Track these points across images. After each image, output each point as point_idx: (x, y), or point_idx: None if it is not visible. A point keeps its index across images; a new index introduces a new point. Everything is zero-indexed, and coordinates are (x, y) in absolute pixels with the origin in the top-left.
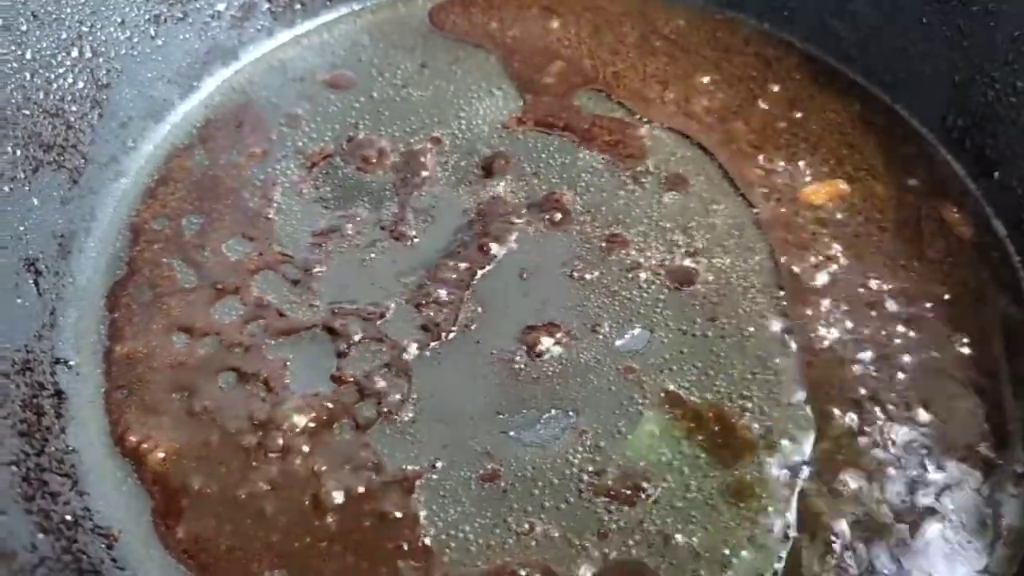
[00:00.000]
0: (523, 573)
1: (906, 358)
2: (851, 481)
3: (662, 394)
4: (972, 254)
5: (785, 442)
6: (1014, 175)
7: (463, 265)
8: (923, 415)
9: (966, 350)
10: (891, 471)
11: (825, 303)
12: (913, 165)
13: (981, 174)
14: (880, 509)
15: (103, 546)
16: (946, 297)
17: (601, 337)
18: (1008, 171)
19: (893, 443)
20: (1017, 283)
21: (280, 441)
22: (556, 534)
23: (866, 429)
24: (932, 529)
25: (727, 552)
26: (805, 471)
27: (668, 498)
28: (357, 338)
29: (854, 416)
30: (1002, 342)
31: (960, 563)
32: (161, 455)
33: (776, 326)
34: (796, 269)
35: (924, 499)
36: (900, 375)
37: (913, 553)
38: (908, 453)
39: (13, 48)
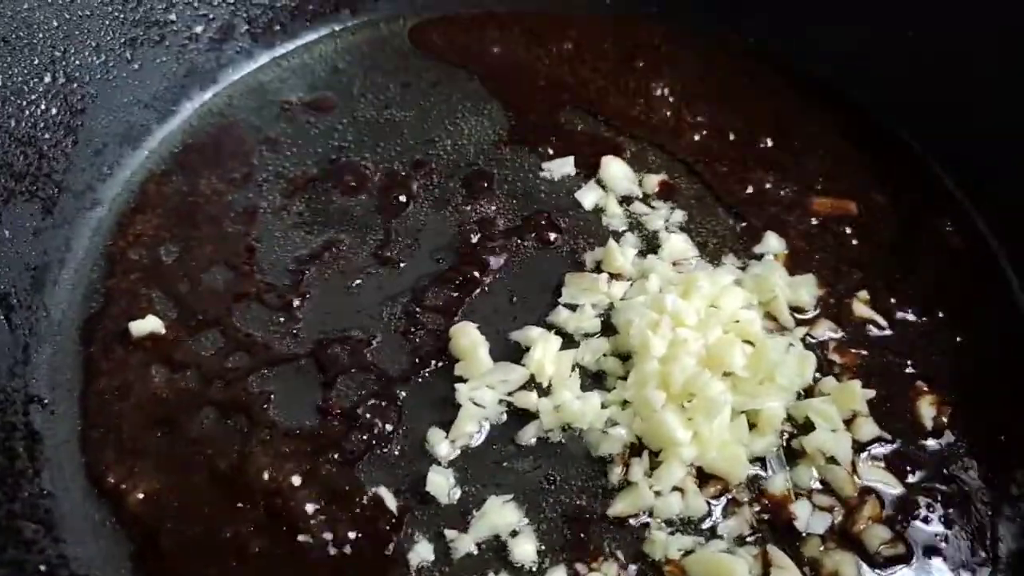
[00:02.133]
0: None
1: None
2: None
3: None
4: (966, 267)
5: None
6: (1005, 188)
7: (451, 290)
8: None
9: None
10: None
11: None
12: (903, 180)
13: (972, 187)
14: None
15: None
16: (940, 313)
17: None
18: (999, 184)
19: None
20: (1010, 295)
21: (265, 477)
22: None
23: None
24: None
25: None
26: None
27: None
28: (344, 368)
29: None
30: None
31: None
32: (140, 496)
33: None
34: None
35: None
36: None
37: None
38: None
39: None
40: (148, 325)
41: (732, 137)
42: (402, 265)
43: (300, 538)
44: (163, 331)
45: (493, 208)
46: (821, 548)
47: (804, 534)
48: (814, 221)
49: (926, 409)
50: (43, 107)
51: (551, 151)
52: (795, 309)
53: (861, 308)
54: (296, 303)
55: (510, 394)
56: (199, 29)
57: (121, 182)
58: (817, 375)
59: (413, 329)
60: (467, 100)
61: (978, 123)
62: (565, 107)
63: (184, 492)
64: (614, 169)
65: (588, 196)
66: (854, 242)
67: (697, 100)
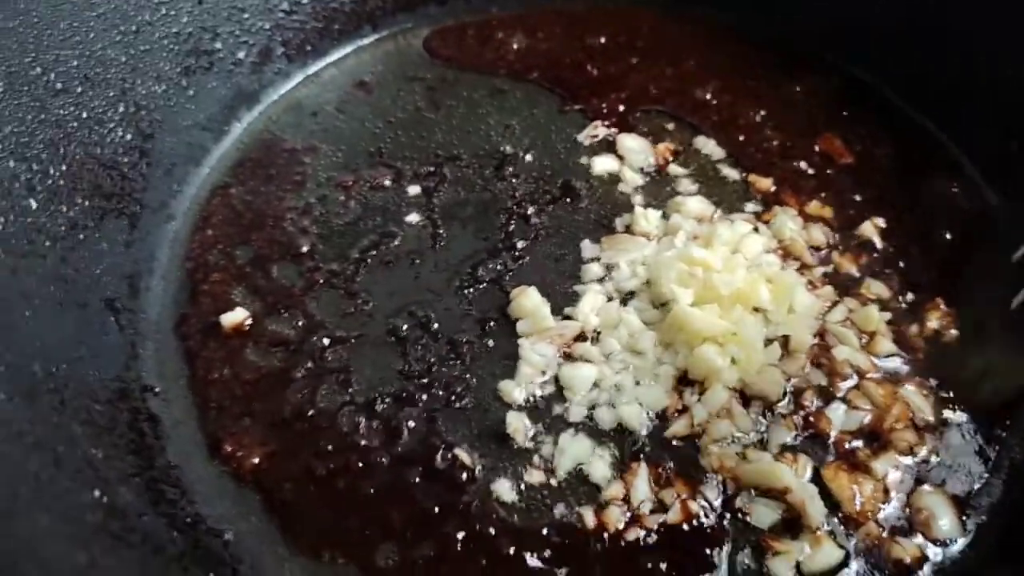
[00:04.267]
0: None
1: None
2: None
3: None
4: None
5: None
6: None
7: (497, 261)
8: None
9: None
10: None
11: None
12: (899, 137)
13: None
14: None
15: (220, 544)
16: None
17: None
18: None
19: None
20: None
21: (360, 435)
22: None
23: None
24: None
25: None
26: None
27: None
28: (415, 338)
29: None
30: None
31: None
32: (256, 460)
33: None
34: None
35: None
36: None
37: None
38: None
39: (72, 109)
40: (237, 316)
41: (734, 106)
42: (454, 244)
43: (400, 483)
44: (250, 321)
45: (524, 186)
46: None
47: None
48: (814, 170)
49: (934, 322)
50: (120, 133)
51: (568, 130)
52: (814, 247)
53: (870, 230)
54: (364, 287)
55: (567, 346)
56: (241, 55)
57: (189, 197)
58: (838, 299)
59: (471, 298)
60: (488, 96)
61: (963, 82)
62: (573, 90)
63: (294, 452)
64: (629, 143)
65: (606, 167)
66: (856, 187)
67: (699, 76)
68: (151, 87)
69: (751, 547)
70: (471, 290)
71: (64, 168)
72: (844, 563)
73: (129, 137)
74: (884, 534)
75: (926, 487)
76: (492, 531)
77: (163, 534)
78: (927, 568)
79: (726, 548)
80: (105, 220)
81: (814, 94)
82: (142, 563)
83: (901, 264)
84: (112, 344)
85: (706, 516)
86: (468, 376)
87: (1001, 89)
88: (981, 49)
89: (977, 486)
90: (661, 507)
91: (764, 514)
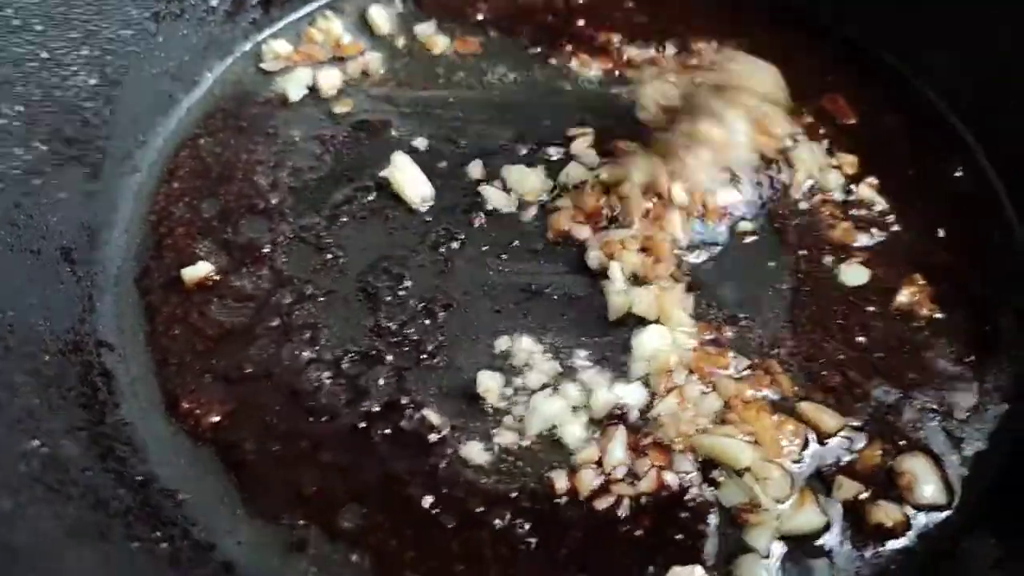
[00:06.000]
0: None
1: None
2: None
3: None
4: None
5: None
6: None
7: (474, 217)
8: None
9: None
10: None
11: None
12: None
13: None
14: None
15: (172, 505)
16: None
17: None
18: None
19: None
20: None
21: (325, 393)
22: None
23: None
24: None
25: None
26: None
27: None
28: (387, 294)
29: None
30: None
31: None
32: (215, 418)
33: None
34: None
35: None
36: None
37: None
38: None
39: (31, 47)
40: (200, 270)
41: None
42: (429, 202)
43: (366, 443)
44: (214, 275)
45: (503, 137)
46: None
47: None
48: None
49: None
50: (83, 77)
51: (545, 81)
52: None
53: (867, 191)
54: (335, 243)
55: None
56: (215, 3)
57: (156, 148)
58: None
59: (445, 255)
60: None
61: (979, 61)
62: (552, 41)
63: (255, 412)
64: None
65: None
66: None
67: (693, 32)
68: (118, 31)
69: (728, 517)
70: (445, 247)
71: (20, 108)
72: (826, 527)
73: (93, 82)
74: (865, 496)
75: (908, 451)
76: (460, 493)
77: (108, 490)
78: (911, 533)
79: (702, 517)
80: (64, 167)
81: (819, 57)
82: (77, 516)
83: (890, 230)
84: (67, 295)
85: (681, 486)
86: (440, 334)
87: (1015, 69)
88: (1000, 23)
89: (958, 450)
90: (634, 475)
91: (733, 493)
